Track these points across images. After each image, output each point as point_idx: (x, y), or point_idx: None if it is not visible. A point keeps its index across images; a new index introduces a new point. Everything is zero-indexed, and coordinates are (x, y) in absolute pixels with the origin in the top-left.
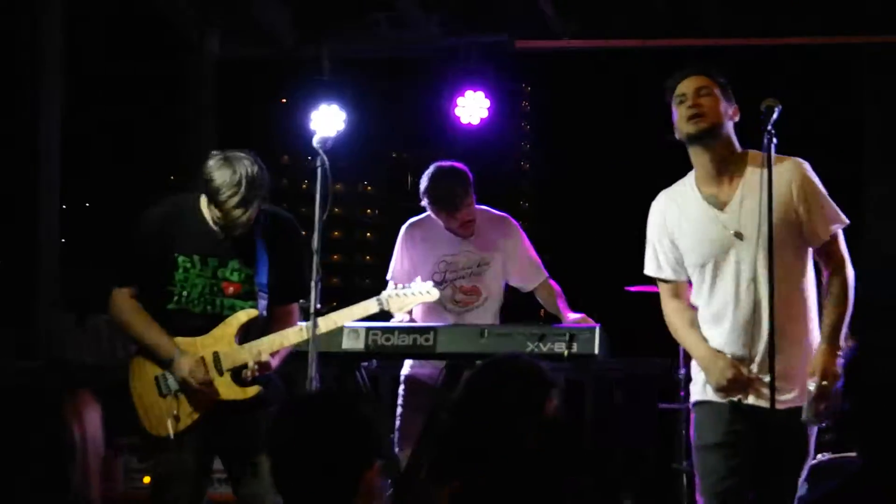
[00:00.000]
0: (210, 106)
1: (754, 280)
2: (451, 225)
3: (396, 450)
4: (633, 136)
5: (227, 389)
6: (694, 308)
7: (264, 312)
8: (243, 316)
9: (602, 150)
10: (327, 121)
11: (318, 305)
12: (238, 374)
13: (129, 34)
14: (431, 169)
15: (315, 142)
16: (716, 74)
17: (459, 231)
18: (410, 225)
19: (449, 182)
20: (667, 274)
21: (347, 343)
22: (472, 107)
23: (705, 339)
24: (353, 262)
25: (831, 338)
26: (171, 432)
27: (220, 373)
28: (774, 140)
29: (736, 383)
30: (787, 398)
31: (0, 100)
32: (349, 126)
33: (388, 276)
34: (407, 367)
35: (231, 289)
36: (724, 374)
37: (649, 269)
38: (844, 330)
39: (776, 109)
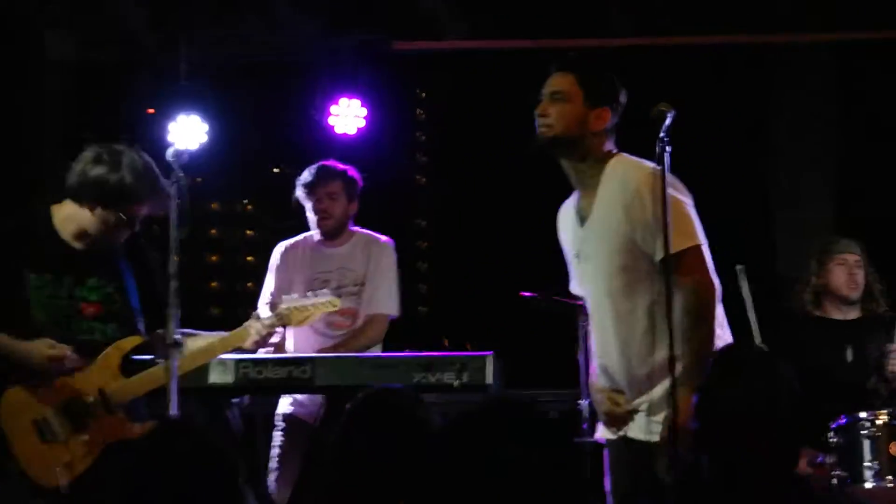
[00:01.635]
0: (55, 114)
1: (600, 304)
2: (311, 207)
3: (272, 492)
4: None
5: (120, 428)
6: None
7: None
8: (126, 345)
9: (505, 159)
10: (187, 133)
11: (177, 337)
12: (132, 410)
13: None
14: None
15: (169, 155)
16: (586, 72)
17: (318, 223)
18: (283, 246)
19: (320, 165)
20: (577, 291)
21: (215, 377)
22: (348, 116)
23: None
24: (234, 289)
25: (691, 369)
26: (64, 482)
27: (111, 411)
28: (668, 148)
29: (612, 417)
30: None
31: None
32: (219, 139)
33: (264, 298)
34: (283, 404)
35: (90, 310)
36: (599, 406)
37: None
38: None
39: (668, 115)
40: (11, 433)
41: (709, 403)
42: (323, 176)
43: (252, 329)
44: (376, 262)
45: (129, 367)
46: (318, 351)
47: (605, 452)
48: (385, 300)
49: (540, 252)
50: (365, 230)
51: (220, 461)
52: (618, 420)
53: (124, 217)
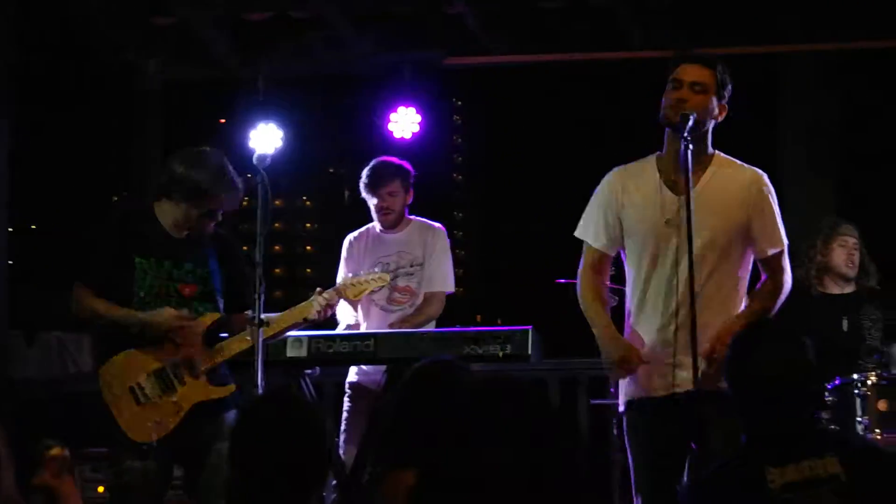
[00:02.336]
0: (155, 128)
1: (689, 269)
2: (375, 205)
3: (342, 453)
4: (560, 145)
5: (206, 390)
6: (612, 285)
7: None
8: (208, 319)
9: (531, 159)
10: (265, 139)
11: (262, 317)
12: (213, 374)
13: (74, 58)
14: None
15: (255, 159)
16: (720, 70)
17: (380, 218)
18: (351, 237)
19: (380, 165)
20: (601, 243)
21: (291, 351)
22: (404, 122)
23: (608, 316)
24: (295, 275)
25: (750, 313)
26: (156, 438)
27: (196, 376)
28: (691, 146)
29: (624, 364)
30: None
31: None
32: (287, 143)
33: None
34: (351, 374)
35: (187, 290)
36: (617, 351)
37: (584, 234)
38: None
39: (691, 117)
40: (112, 400)
41: (739, 369)
42: (383, 176)
43: (315, 303)
44: (432, 245)
45: (211, 339)
46: (384, 325)
47: (627, 419)
48: (441, 279)
49: (562, 240)
50: (420, 218)
51: (321, 425)
52: (626, 368)
53: (206, 209)
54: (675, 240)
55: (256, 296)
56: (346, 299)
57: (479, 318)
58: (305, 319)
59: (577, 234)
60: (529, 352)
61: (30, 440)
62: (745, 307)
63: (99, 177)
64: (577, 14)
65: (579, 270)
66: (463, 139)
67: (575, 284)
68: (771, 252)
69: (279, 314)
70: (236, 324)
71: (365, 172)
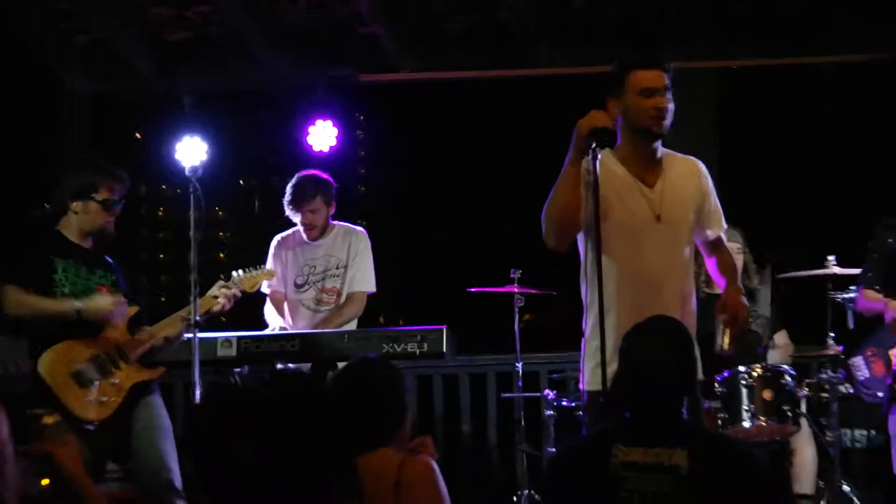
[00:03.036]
0: (79, 139)
1: (667, 266)
2: (299, 221)
3: None
4: (462, 158)
5: (139, 373)
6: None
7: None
8: (131, 311)
9: (439, 174)
10: (191, 152)
11: (198, 317)
12: (143, 358)
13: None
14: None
15: (187, 171)
16: (670, 76)
17: (304, 232)
18: (279, 237)
19: (301, 183)
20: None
21: (222, 351)
22: (322, 135)
23: None
24: (210, 280)
25: (735, 281)
26: (98, 418)
27: (127, 360)
28: (599, 155)
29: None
30: None
31: None
32: (210, 156)
33: (265, 287)
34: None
35: (104, 290)
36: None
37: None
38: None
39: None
40: (55, 385)
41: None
42: (304, 195)
43: (220, 294)
44: (355, 248)
45: (131, 329)
46: (312, 325)
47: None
48: (363, 279)
49: (458, 246)
50: (343, 223)
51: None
52: None
53: (98, 202)
54: (660, 237)
55: (192, 297)
56: (244, 290)
57: (381, 319)
58: (209, 311)
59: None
60: (444, 350)
61: None
62: (727, 284)
63: (24, 188)
64: (485, 32)
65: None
66: (366, 152)
67: (484, 293)
68: (719, 233)
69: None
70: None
71: (288, 190)
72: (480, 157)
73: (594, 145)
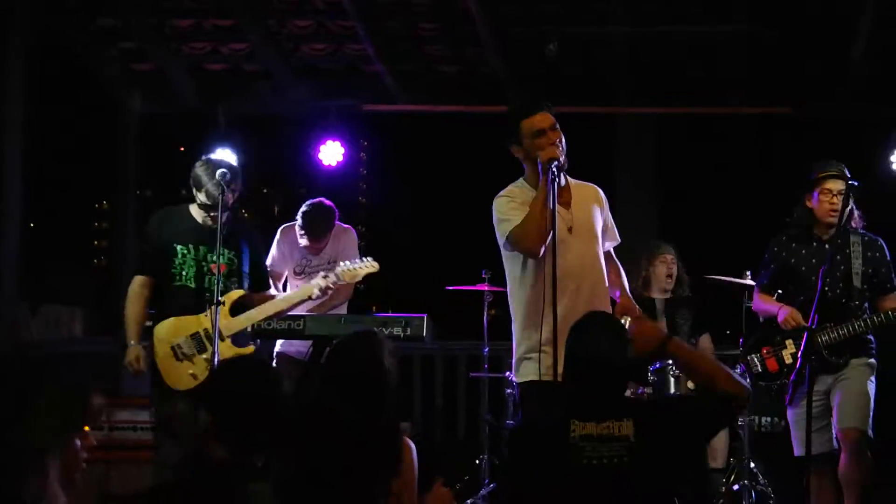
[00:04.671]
0: (134, 149)
1: (583, 272)
2: (306, 244)
3: None
4: (448, 178)
5: (230, 350)
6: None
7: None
8: (234, 294)
9: (425, 189)
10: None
11: (221, 298)
12: (236, 339)
13: (72, 93)
14: (314, 203)
15: (217, 175)
16: (553, 112)
17: (310, 249)
18: (283, 228)
19: (316, 218)
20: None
21: None
22: (330, 153)
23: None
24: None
25: (625, 290)
26: (186, 387)
27: (223, 339)
28: (554, 180)
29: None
30: None
31: None
32: (240, 167)
33: (268, 262)
34: (278, 345)
35: (219, 269)
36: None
37: (514, 215)
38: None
39: (558, 161)
40: (157, 357)
41: (571, 349)
42: (317, 233)
43: (316, 285)
44: (344, 244)
45: (235, 310)
46: (307, 307)
47: (530, 391)
48: None
49: (439, 249)
50: (337, 223)
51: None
52: None
53: (207, 198)
54: (573, 246)
55: (216, 280)
56: (343, 281)
57: (374, 308)
58: (310, 297)
59: (511, 230)
60: (424, 334)
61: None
62: (620, 293)
63: (90, 186)
64: (469, 75)
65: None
66: (367, 170)
67: (460, 289)
68: (613, 245)
69: (289, 293)
70: (257, 300)
71: (302, 218)
72: (460, 177)
73: (554, 172)
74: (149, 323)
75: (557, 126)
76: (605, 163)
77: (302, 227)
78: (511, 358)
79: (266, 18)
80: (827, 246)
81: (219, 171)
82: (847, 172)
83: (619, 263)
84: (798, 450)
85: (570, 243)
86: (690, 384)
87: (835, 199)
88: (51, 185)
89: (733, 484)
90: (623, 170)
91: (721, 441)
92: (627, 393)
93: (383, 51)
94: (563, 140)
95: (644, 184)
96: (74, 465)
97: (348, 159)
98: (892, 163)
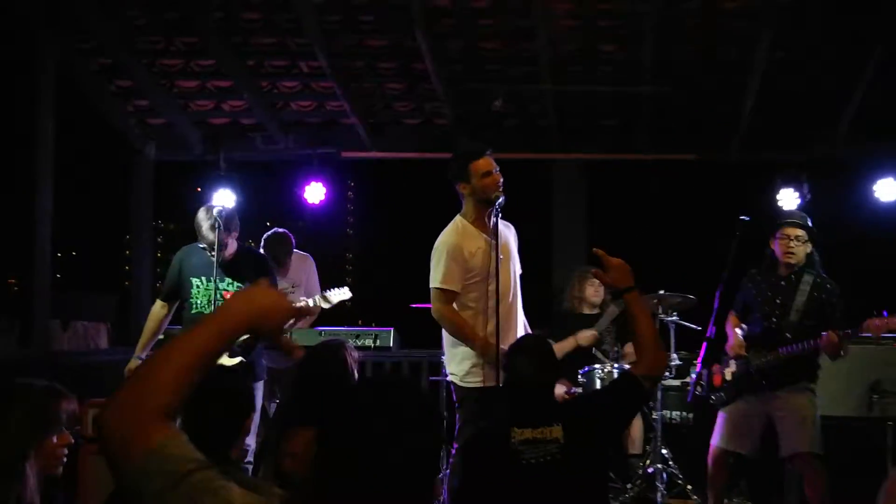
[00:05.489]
0: (150, 190)
1: (510, 288)
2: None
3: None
4: (414, 211)
5: (222, 360)
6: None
7: None
8: None
9: (397, 222)
10: (223, 200)
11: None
12: (230, 351)
13: (97, 143)
14: (272, 232)
15: (214, 212)
16: (493, 157)
17: (278, 267)
18: None
19: (278, 245)
20: (456, 287)
21: None
22: (315, 192)
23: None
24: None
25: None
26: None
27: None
28: (500, 214)
29: (492, 355)
30: None
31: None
32: (238, 205)
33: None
34: (266, 361)
35: (229, 296)
36: (491, 351)
37: (446, 283)
38: None
39: (501, 199)
40: None
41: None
42: (277, 256)
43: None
44: (306, 270)
45: None
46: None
47: (473, 394)
48: (314, 292)
49: (407, 273)
50: (297, 251)
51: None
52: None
53: (203, 243)
54: (503, 270)
55: (213, 303)
56: (322, 306)
57: (360, 321)
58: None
59: (442, 286)
60: (391, 344)
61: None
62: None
63: (115, 222)
64: (429, 126)
65: (442, 308)
66: (354, 206)
67: (423, 307)
68: (520, 271)
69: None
70: None
71: (264, 245)
72: (424, 211)
73: (497, 205)
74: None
75: (498, 168)
76: (545, 200)
77: (269, 255)
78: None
79: (260, 81)
80: (783, 283)
81: (208, 220)
82: (809, 222)
83: None
84: (717, 441)
85: (501, 269)
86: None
87: (791, 244)
88: (80, 222)
89: (648, 467)
90: (559, 206)
91: (638, 431)
92: (562, 391)
93: (357, 107)
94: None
95: (576, 218)
96: (52, 464)
97: (331, 198)
98: (777, 200)
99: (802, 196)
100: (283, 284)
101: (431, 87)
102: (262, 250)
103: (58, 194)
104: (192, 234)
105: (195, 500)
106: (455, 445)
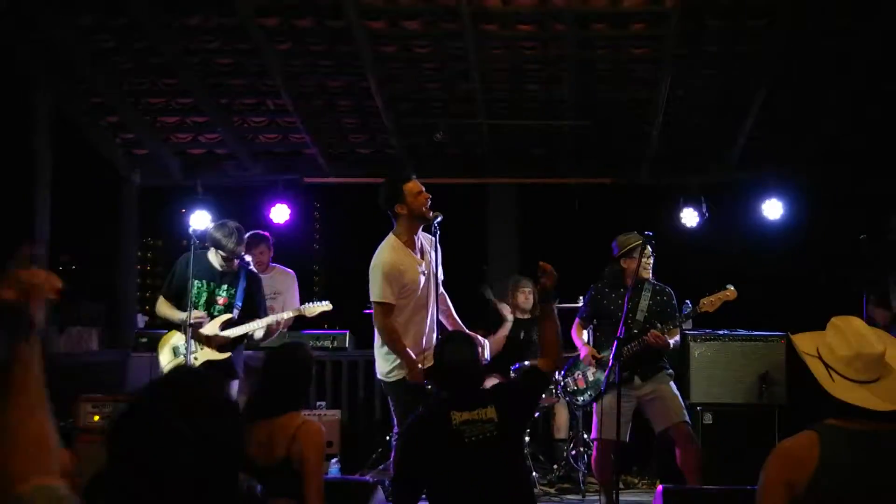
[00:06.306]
0: (135, 212)
1: (429, 297)
2: (251, 259)
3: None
4: (370, 230)
5: (211, 354)
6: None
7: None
8: (224, 317)
9: (354, 238)
10: (200, 221)
11: (191, 321)
12: (220, 345)
13: (88, 171)
14: (249, 234)
15: (190, 231)
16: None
17: (255, 267)
18: None
19: (252, 235)
20: (393, 300)
21: None
22: (280, 213)
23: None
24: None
25: (456, 319)
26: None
27: (209, 346)
28: (438, 232)
29: (418, 372)
30: None
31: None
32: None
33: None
34: (247, 357)
35: (221, 301)
36: (416, 367)
37: (385, 297)
38: None
39: (438, 218)
40: (160, 353)
41: (435, 360)
42: (252, 243)
43: (278, 317)
44: (287, 283)
45: (225, 328)
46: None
47: (400, 386)
48: (292, 302)
49: (363, 283)
50: (279, 265)
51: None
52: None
53: (226, 254)
54: (427, 289)
55: (188, 309)
56: (305, 316)
57: (325, 324)
58: (277, 322)
59: (382, 300)
60: (347, 345)
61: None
62: (452, 322)
63: (105, 239)
64: (380, 155)
65: (384, 320)
66: (320, 225)
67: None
68: (443, 278)
69: (253, 322)
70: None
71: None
72: (376, 229)
73: (436, 222)
74: (164, 331)
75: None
76: (481, 219)
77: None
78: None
79: (232, 116)
80: (630, 292)
81: (232, 236)
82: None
83: (445, 294)
84: (595, 433)
85: (426, 282)
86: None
87: (650, 261)
88: (75, 239)
89: (572, 450)
90: (493, 224)
91: (564, 419)
92: (496, 382)
93: (317, 139)
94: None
95: (508, 233)
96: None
97: (296, 218)
98: (681, 219)
99: (701, 215)
100: (266, 290)
101: (381, 121)
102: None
103: (55, 215)
104: (172, 250)
105: None
106: (395, 432)
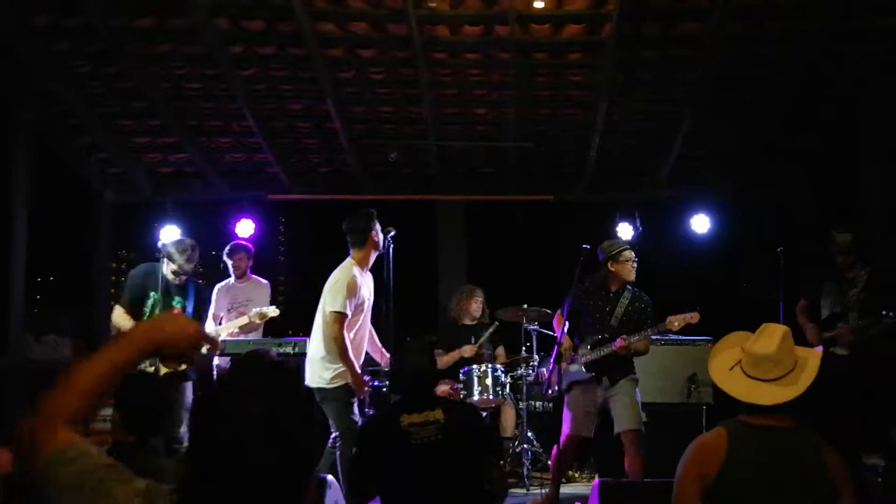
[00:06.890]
0: (109, 227)
1: (367, 315)
2: (231, 265)
3: None
4: (329, 243)
5: (170, 365)
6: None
7: None
8: None
9: (315, 251)
10: (170, 235)
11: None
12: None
13: (63, 188)
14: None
15: (160, 245)
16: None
17: (233, 272)
18: (219, 285)
19: (234, 245)
20: (350, 313)
21: None
22: (245, 227)
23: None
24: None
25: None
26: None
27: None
28: (391, 246)
29: (363, 387)
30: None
31: None
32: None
33: (211, 309)
34: (216, 360)
35: (176, 311)
36: (362, 382)
37: (345, 309)
38: None
39: (391, 233)
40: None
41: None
42: (234, 250)
43: (234, 324)
44: (261, 292)
45: None
46: (234, 333)
47: (342, 390)
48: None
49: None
50: (256, 276)
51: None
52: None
53: (176, 267)
54: (368, 311)
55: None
56: (256, 321)
57: (290, 331)
58: (240, 328)
59: (342, 310)
60: (306, 350)
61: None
62: (380, 350)
63: (79, 252)
64: (338, 174)
65: (340, 331)
66: (285, 238)
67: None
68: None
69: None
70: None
71: (228, 248)
72: (337, 243)
73: (389, 237)
74: None
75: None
76: (432, 233)
77: (226, 254)
78: (370, 367)
79: (200, 137)
80: (610, 295)
81: (184, 252)
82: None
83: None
84: (568, 429)
85: (369, 304)
86: (488, 381)
87: (633, 265)
88: (50, 253)
89: (517, 448)
90: (444, 238)
91: (510, 419)
92: (447, 388)
93: (280, 158)
94: None
95: (458, 248)
96: None
97: (260, 232)
98: (616, 232)
99: (635, 228)
100: (241, 296)
101: (340, 142)
102: (225, 257)
103: (32, 230)
104: (144, 262)
105: (96, 492)
106: (333, 435)
